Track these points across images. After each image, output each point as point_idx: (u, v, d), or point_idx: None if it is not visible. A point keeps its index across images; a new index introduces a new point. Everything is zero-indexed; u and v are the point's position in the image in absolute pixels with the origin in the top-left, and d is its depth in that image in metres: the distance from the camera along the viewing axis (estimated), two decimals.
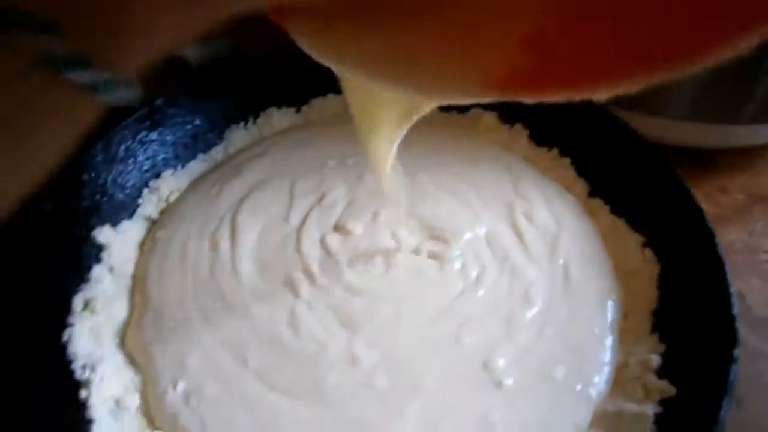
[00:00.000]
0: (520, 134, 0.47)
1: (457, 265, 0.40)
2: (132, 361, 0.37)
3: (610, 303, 0.38)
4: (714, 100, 0.45)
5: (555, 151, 0.46)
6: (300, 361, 0.36)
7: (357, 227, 0.41)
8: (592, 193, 0.44)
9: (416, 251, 0.40)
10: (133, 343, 0.38)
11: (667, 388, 0.34)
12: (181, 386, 0.35)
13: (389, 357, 0.36)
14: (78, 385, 0.35)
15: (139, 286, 0.40)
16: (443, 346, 0.36)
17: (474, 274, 0.39)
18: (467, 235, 0.41)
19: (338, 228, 0.42)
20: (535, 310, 0.38)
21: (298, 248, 0.41)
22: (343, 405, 0.34)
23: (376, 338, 0.37)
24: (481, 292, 0.38)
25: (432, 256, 0.40)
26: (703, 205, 0.39)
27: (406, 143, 0.44)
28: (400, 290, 0.39)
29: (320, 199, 0.43)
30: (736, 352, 0.32)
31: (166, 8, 0.21)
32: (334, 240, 0.41)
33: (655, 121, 0.46)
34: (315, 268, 0.40)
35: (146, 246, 0.42)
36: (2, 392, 0.33)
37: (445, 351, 0.36)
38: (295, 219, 0.42)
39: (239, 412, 0.34)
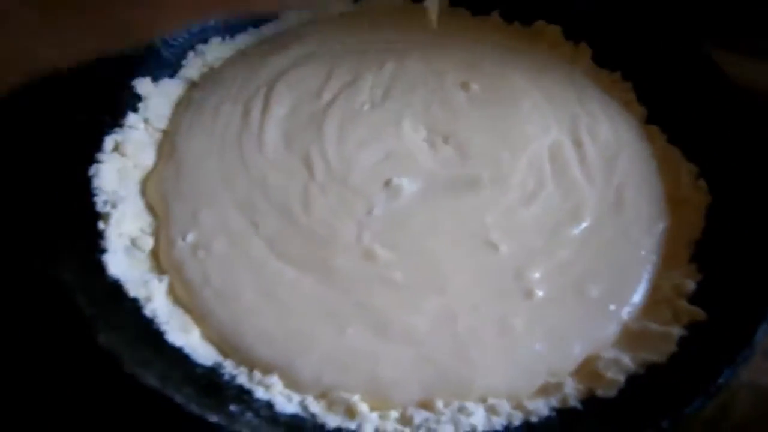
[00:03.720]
0: (584, 52, 0.45)
1: (516, 179, 0.38)
2: (151, 207, 0.37)
3: (659, 228, 0.36)
4: None
5: (618, 74, 0.43)
6: (309, 239, 0.35)
7: (376, 116, 0.40)
8: (650, 120, 0.41)
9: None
10: (152, 190, 0.38)
11: (697, 313, 0.32)
12: (190, 237, 0.35)
13: (410, 255, 0.34)
14: (97, 216, 0.35)
15: (168, 138, 0.40)
16: (477, 252, 0.35)
17: (531, 187, 0.37)
18: (533, 146, 0.39)
19: (357, 116, 0.40)
20: (582, 226, 0.36)
21: (320, 128, 0.40)
22: (350, 287, 0.33)
23: (396, 238, 0.35)
24: (533, 207, 0.37)
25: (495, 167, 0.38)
26: None
27: (472, 51, 0.43)
28: (440, 197, 0.37)
29: (354, 81, 0.42)
30: None
31: None
32: (350, 128, 0.40)
33: (747, 63, 0.42)
34: (331, 152, 0.38)
35: (182, 104, 0.42)
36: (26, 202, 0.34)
37: (479, 257, 0.35)
38: (326, 97, 0.41)
39: (243, 272, 0.34)
